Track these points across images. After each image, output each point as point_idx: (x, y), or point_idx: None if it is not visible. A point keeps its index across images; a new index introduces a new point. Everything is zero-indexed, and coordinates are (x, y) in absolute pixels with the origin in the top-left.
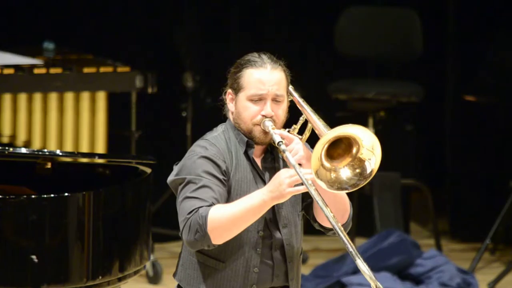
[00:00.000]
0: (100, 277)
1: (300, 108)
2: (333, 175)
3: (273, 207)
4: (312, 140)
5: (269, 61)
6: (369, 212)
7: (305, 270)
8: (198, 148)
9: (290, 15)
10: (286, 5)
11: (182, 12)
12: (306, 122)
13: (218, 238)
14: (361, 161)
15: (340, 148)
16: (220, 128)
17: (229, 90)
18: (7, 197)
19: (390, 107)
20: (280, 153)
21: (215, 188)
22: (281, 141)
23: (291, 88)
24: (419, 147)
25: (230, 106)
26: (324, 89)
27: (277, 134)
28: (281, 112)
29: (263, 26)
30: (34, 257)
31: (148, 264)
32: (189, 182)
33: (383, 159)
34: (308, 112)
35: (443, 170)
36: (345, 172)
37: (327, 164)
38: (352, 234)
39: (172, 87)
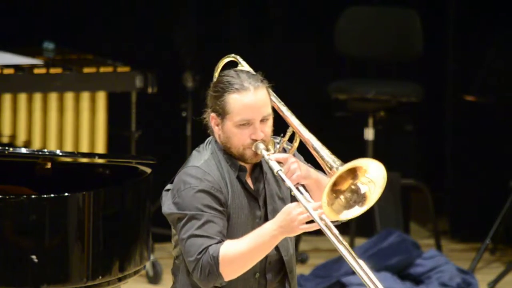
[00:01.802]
0: (100, 277)
1: (286, 120)
2: (339, 203)
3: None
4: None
5: (250, 82)
6: (369, 212)
7: (305, 270)
8: (192, 180)
9: (290, 15)
10: (286, 5)
11: (182, 12)
12: (293, 133)
13: (230, 275)
14: (358, 189)
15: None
16: (208, 149)
17: (212, 114)
18: (7, 197)
19: (390, 107)
20: (281, 180)
21: (219, 221)
22: (280, 170)
23: (274, 99)
24: (419, 147)
25: (216, 129)
26: (324, 89)
27: (274, 161)
28: (269, 130)
29: (263, 26)
30: (34, 257)
31: (148, 264)
32: (191, 219)
33: (383, 159)
34: (295, 124)
35: (443, 170)
36: (345, 196)
37: (332, 194)
38: (352, 234)
39: (172, 87)
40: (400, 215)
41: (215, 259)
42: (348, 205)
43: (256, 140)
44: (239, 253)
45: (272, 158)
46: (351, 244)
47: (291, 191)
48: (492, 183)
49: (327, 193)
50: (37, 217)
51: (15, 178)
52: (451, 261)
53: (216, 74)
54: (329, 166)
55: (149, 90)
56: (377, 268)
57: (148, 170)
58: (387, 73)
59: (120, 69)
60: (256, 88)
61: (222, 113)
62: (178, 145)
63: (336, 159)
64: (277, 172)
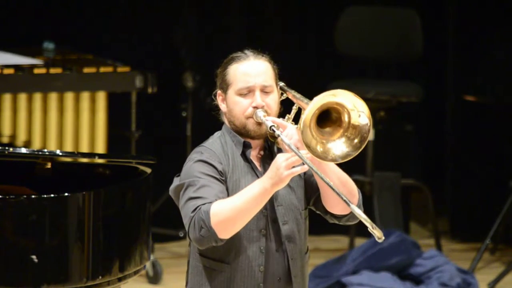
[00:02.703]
0: (100, 277)
1: (293, 99)
2: (329, 145)
3: (272, 205)
4: None
5: (252, 54)
6: (369, 212)
7: None
8: (194, 155)
9: (290, 15)
10: (286, 5)
11: (182, 12)
12: (299, 111)
13: (223, 231)
14: (354, 126)
15: (330, 121)
16: (217, 134)
17: (219, 91)
18: (7, 197)
19: (390, 107)
20: (275, 139)
21: (215, 186)
22: (274, 125)
23: (283, 84)
24: (419, 147)
25: (222, 106)
26: (324, 89)
27: (269, 121)
28: (272, 102)
29: (263, 26)
30: (34, 257)
31: (148, 264)
32: (188, 186)
33: (383, 159)
34: (300, 100)
35: (443, 170)
36: (340, 142)
37: (320, 138)
38: (352, 234)
39: (172, 87)
40: (400, 215)
41: (207, 214)
42: (333, 137)
43: (256, 108)
44: (231, 206)
45: (269, 119)
46: (351, 244)
47: (278, 136)
48: (492, 183)
49: (307, 128)
50: (37, 217)
51: (15, 178)
52: (451, 261)
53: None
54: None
55: (149, 90)
56: (377, 268)
57: (148, 170)
58: (387, 73)
59: (120, 69)
60: (256, 57)
61: (225, 86)
62: (178, 145)
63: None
64: (270, 128)
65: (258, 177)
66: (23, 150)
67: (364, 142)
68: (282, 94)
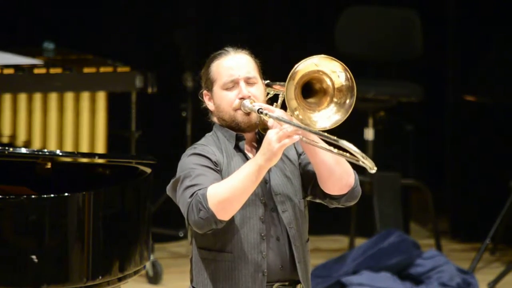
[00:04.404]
0: (100, 277)
1: (280, 89)
2: (318, 114)
3: (270, 195)
4: None
5: (232, 49)
6: (369, 212)
7: None
8: (187, 151)
9: (290, 15)
10: (286, 5)
11: (182, 12)
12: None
13: (221, 212)
14: (340, 90)
15: (315, 93)
16: (208, 134)
17: (205, 91)
18: (7, 197)
19: (390, 107)
20: (265, 131)
21: (210, 175)
22: (261, 108)
23: (268, 81)
24: (419, 147)
25: (210, 105)
26: None
27: (257, 106)
28: (258, 92)
29: (263, 26)
30: (34, 257)
31: (148, 264)
32: (184, 177)
33: (383, 159)
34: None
35: (443, 170)
36: (329, 110)
37: (305, 107)
38: (352, 234)
39: (172, 87)
40: (400, 215)
41: (204, 196)
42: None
43: (243, 99)
44: (227, 186)
45: (256, 104)
46: (351, 244)
47: (267, 115)
48: (492, 183)
49: (292, 98)
50: (37, 217)
51: (15, 178)
52: (451, 261)
53: None
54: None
55: (149, 90)
56: (377, 268)
57: (148, 170)
58: (387, 73)
59: (120, 69)
60: (236, 51)
61: (210, 84)
62: (178, 145)
63: None
64: (258, 111)
65: None
66: (23, 150)
67: (353, 99)
68: (268, 94)
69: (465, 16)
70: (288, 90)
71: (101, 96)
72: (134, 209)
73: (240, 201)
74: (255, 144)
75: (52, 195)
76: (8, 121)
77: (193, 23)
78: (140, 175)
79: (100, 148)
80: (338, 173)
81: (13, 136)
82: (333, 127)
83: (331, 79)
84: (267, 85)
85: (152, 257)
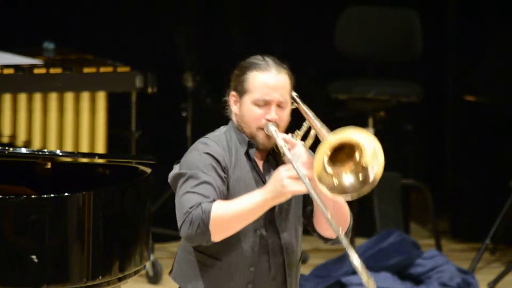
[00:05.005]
0: (100, 277)
1: (304, 115)
2: (335, 180)
3: (274, 210)
4: (316, 146)
5: (274, 65)
6: (369, 212)
7: (305, 270)
8: (199, 145)
9: (290, 15)
10: (286, 5)
11: (182, 12)
12: (309, 129)
13: (218, 234)
14: (364, 168)
15: (343, 153)
16: (223, 128)
17: (233, 93)
18: (7, 197)
19: (390, 107)
20: (282, 156)
21: (216, 185)
22: (285, 145)
23: (295, 94)
24: (419, 147)
25: (234, 108)
26: (324, 89)
27: (280, 138)
28: (285, 116)
29: (263, 26)
30: (34, 257)
31: (148, 264)
32: (190, 177)
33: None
34: (312, 118)
35: (443, 170)
36: (347, 178)
37: (329, 169)
38: (352, 234)
39: (172, 87)
40: (400, 215)
41: (207, 214)
42: (342, 175)
43: (269, 121)
44: (231, 212)
45: (279, 136)
46: (351, 244)
47: (285, 155)
48: (492, 183)
49: (320, 162)
50: (37, 217)
51: (15, 178)
52: (451, 261)
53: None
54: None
55: (149, 90)
56: (377, 268)
57: (148, 170)
58: (387, 73)
59: (120, 69)
60: (279, 71)
61: (241, 91)
62: (178, 145)
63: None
64: (281, 148)
65: (259, 177)
66: (23, 150)
67: (370, 187)
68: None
69: (465, 16)
70: (319, 151)
71: (101, 96)
72: (134, 209)
73: (238, 228)
74: (265, 156)
75: (52, 195)
76: (8, 121)
77: (193, 23)
78: (140, 175)
79: (100, 148)
80: (334, 221)
81: (13, 136)
82: (345, 198)
83: (361, 155)
84: (293, 99)
85: (152, 257)
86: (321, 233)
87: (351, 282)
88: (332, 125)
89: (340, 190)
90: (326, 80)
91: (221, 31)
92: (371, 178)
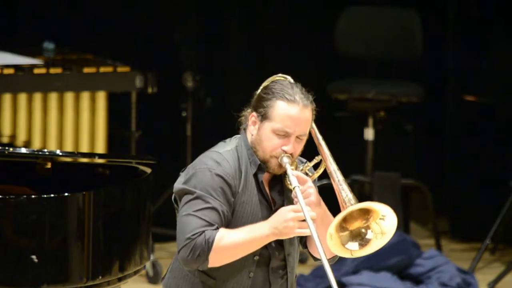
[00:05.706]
0: (100, 277)
1: (318, 148)
2: (340, 242)
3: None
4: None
5: (301, 97)
6: None
7: (305, 270)
8: (211, 162)
9: (290, 15)
10: (286, 5)
11: (182, 12)
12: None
13: (214, 263)
14: (367, 237)
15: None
16: (234, 141)
17: (254, 113)
18: (7, 197)
19: (390, 107)
20: (294, 196)
21: (222, 211)
22: (298, 186)
23: (314, 126)
24: (419, 147)
25: (251, 128)
26: (324, 89)
27: (294, 176)
28: (301, 147)
29: (263, 26)
30: (34, 257)
31: (148, 264)
32: (198, 198)
33: (383, 159)
34: (326, 154)
35: (443, 170)
36: (351, 245)
37: (339, 229)
38: None
39: (172, 87)
40: (400, 215)
41: (209, 244)
42: (348, 241)
43: (285, 153)
44: (232, 244)
45: (294, 174)
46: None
47: (294, 189)
48: (492, 183)
49: (337, 222)
50: (37, 217)
51: (15, 178)
52: (451, 261)
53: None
54: (345, 201)
55: (149, 90)
56: (377, 268)
57: (148, 170)
58: (387, 73)
59: (120, 69)
60: (305, 105)
61: (264, 115)
62: (178, 145)
63: (353, 197)
64: (294, 188)
65: (266, 201)
66: (23, 150)
67: (365, 248)
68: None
69: (465, 16)
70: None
71: (101, 96)
72: (134, 209)
73: (237, 258)
74: (272, 177)
75: (52, 195)
76: (8, 121)
77: (193, 23)
78: (140, 175)
79: (100, 148)
80: (324, 246)
81: (13, 136)
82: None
83: (369, 225)
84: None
85: (152, 257)
86: (312, 253)
87: (351, 282)
88: (332, 126)
89: (341, 251)
90: (326, 80)
91: (221, 31)
92: (370, 248)
